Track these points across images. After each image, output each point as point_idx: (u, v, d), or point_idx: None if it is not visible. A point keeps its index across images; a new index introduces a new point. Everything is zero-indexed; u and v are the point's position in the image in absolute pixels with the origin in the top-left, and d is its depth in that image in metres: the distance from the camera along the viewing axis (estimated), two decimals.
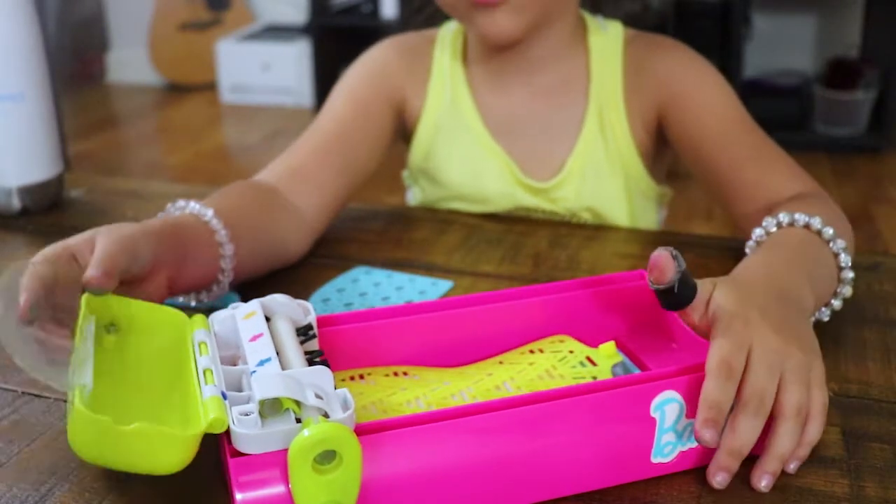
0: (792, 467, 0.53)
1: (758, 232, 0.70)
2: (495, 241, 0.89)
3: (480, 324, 0.62)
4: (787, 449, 0.52)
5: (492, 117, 0.95)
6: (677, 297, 0.55)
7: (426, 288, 0.79)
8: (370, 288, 0.79)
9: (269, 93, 3.79)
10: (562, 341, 0.63)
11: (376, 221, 0.94)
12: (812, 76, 3.21)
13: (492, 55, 0.94)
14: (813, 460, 0.55)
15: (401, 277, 0.81)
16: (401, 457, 0.49)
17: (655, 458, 0.54)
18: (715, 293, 0.56)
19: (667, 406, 0.53)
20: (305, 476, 0.46)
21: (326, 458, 0.46)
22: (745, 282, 0.58)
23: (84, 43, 4.16)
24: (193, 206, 0.73)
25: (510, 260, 0.85)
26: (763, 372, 0.52)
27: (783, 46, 3.38)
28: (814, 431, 0.53)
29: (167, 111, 3.84)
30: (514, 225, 0.92)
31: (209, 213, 0.72)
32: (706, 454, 0.54)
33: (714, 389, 0.51)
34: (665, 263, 0.53)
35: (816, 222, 0.68)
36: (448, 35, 0.97)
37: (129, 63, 4.14)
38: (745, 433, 0.51)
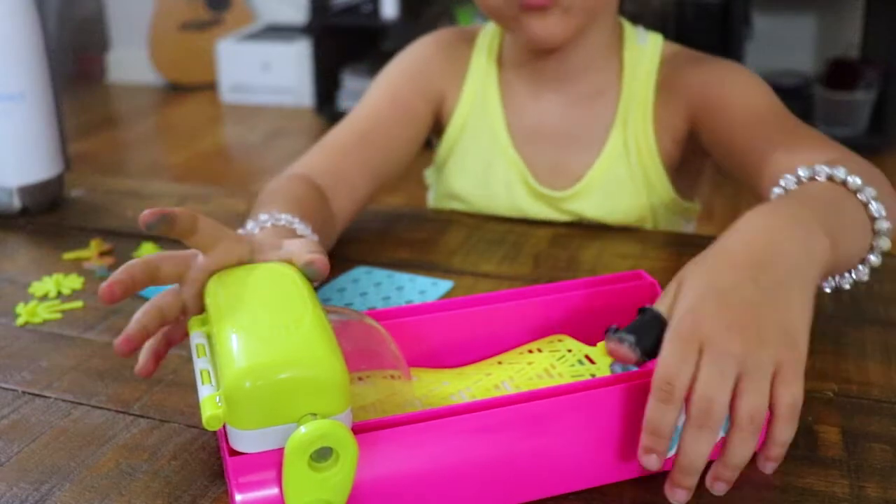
0: (768, 468, 0.51)
1: (775, 191, 0.64)
2: (496, 242, 0.88)
3: (480, 325, 0.62)
4: (739, 459, 0.48)
5: (517, 123, 0.94)
6: (647, 358, 0.51)
7: (427, 288, 0.79)
8: (371, 288, 0.79)
9: (270, 92, 3.79)
10: (560, 340, 0.63)
11: (377, 221, 0.94)
12: (812, 76, 3.21)
13: (528, 60, 0.93)
14: (813, 460, 0.55)
15: (401, 277, 0.81)
16: (397, 455, 0.49)
17: None
18: (679, 295, 0.51)
19: None
20: (300, 473, 0.46)
21: (322, 455, 0.46)
22: (714, 261, 0.52)
23: (84, 43, 4.17)
24: (285, 217, 0.70)
25: (511, 260, 0.85)
26: (712, 379, 0.47)
27: (783, 47, 3.38)
28: (781, 432, 0.49)
29: (167, 111, 3.84)
30: (514, 225, 0.92)
31: (307, 230, 0.70)
32: (713, 450, 0.54)
33: (653, 412, 0.48)
34: (624, 354, 0.50)
35: (840, 172, 0.62)
36: (487, 35, 0.97)
37: (130, 63, 4.14)
38: (691, 450, 0.47)
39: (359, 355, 0.53)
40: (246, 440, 0.47)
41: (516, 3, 0.82)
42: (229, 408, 0.47)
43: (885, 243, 0.62)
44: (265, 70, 3.76)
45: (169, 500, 0.53)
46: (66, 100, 3.62)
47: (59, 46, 3.83)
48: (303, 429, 0.45)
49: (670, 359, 0.47)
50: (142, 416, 0.61)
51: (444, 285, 0.79)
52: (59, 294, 0.80)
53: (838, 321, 0.72)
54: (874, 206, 0.61)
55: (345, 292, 0.78)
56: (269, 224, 0.70)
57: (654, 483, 0.54)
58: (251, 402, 0.46)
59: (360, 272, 0.82)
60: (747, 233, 0.54)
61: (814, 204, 0.59)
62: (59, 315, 0.76)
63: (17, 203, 0.97)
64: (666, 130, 0.90)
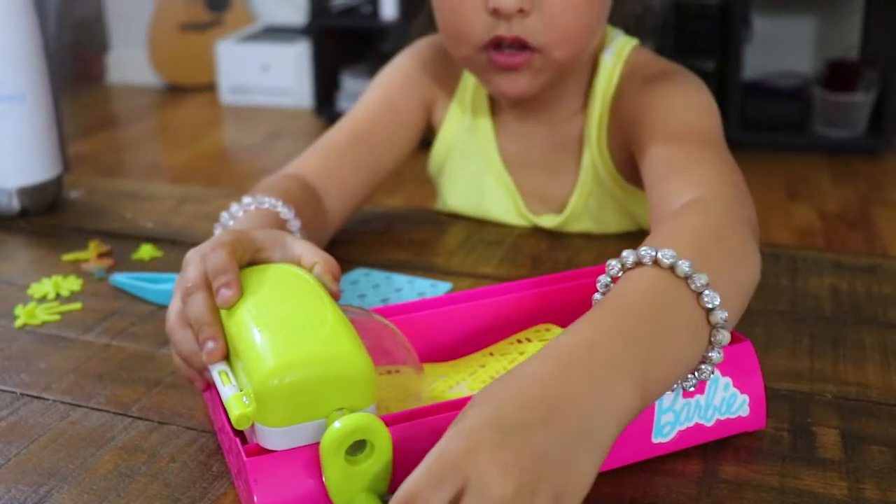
0: None
1: (602, 280, 0.54)
2: (495, 243, 0.89)
3: (471, 319, 0.63)
4: None
5: (508, 149, 0.92)
6: None
7: (425, 290, 0.78)
8: (369, 290, 0.79)
9: (269, 94, 3.79)
10: (548, 329, 0.64)
11: (376, 223, 0.94)
12: (811, 78, 3.21)
13: None
14: (812, 462, 0.55)
15: (400, 279, 0.81)
16: (412, 447, 0.49)
17: (656, 439, 0.54)
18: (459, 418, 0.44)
19: None
20: (339, 468, 0.46)
21: (357, 448, 0.47)
22: (505, 390, 0.45)
23: (84, 43, 4.17)
24: (269, 201, 0.72)
25: (509, 262, 0.85)
26: None
27: (782, 48, 3.39)
28: None
29: (167, 112, 3.84)
30: (513, 227, 0.92)
31: (290, 213, 0.72)
32: (704, 433, 0.55)
33: None
34: None
35: (667, 256, 0.50)
36: None
37: (129, 64, 4.15)
38: None
39: (371, 352, 0.53)
40: (276, 437, 0.47)
41: (485, 61, 0.79)
42: (259, 406, 0.47)
43: (724, 337, 0.51)
44: (264, 71, 3.76)
45: (168, 503, 0.53)
46: (66, 101, 3.63)
47: (59, 47, 3.84)
48: (337, 424, 0.46)
49: (424, 482, 0.41)
50: (140, 419, 0.61)
51: (443, 287, 0.79)
52: (58, 296, 0.80)
53: (837, 323, 0.72)
54: (707, 296, 0.50)
55: (343, 294, 0.78)
56: (252, 207, 0.71)
57: (654, 485, 0.54)
58: (282, 399, 0.47)
59: (358, 274, 0.82)
60: (549, 363, 0.46)
61: (632, 324, 0.49)
62: (57, 317, 0.76)
63: (16, 204, 0.97)
64: (618, 152, 0.86)
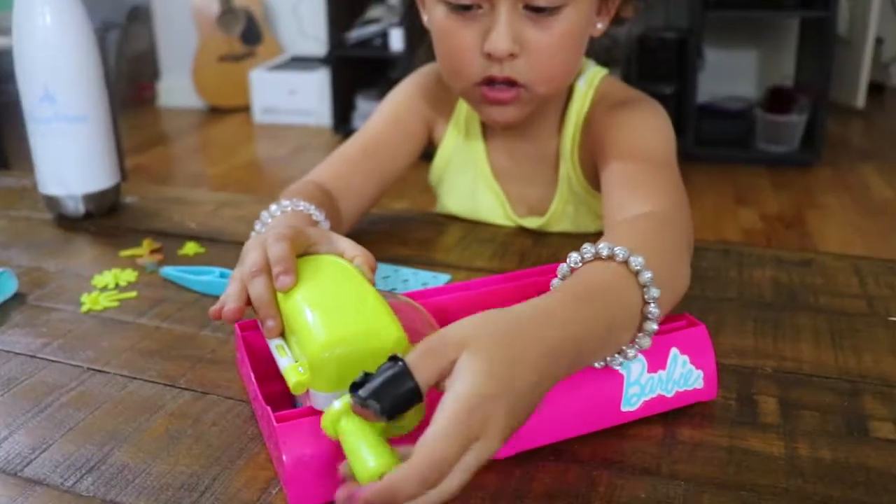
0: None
1: (563, 268, 0.54)
2: (487, 241, 0.88)
3: (469, 305, 0.63)
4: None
5: (497, 162, 0.92)
6: (398, 410, 0.42)
7: (428, 280, 0.78)
8: (379, 281, 0.79)
9: (295, 114, 3.78)
10: None
11: (385, 224, 0.94)
12: (754, 101, 3.21)
13: None
14: (755, 426, 0.55)
15: (406, 271, 0.81)
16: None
17: (624, 408, 0.54)
18: (461, 363, 0.43)
19: (631, 363, 0.54)
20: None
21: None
22: (508, 350, 0.44)
23: (138, 72, 4.17)
24: (304, 205, 0.72)
25: (500, 257, 0.85)
26: (461, 478, 0.41)
27: (730, 76, 3.39)
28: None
29: (208, 130, 3.83)
30: (502, 227, 0.92)
31: (321, 215, 0.72)
32: (665, 403, 0.55)
33: (409, 486, 0.39)
34: (370, 418, 0.42)
35: (621, 252, 0.52)
36: None
37: (177, 89, 4.14)
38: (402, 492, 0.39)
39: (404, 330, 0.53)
40: (327, 401, 0.47)
41: (479, 95, 0.78)
42: (313, 374, 0.47)
43: (650, 327, 0.52)
44: (291, 95, 3.76)
45: (210, 461, 0.53)
46: (123, 121, 3.62)
47: (118, 76, 3.83)
48: None
49: (450, 444, 0.40)
50: (187, 389, 0.61)
51: (443, 278, 0.79)
52: (117, 286, 0.79)
53: (776, 308, 0.72)
54: (652, 309, 0.52)
55: None
56: (289, 209, 0.71)
57: (621, 447, 0.54)
58: (332, 368, 0.47)
59: None
60: (525, 330, 0.46)
61: (586, 303, 0.50)
62: (116, 303, 0.76)
63: (81, 208, 0.97)
64: (588, 166, 0.86)
